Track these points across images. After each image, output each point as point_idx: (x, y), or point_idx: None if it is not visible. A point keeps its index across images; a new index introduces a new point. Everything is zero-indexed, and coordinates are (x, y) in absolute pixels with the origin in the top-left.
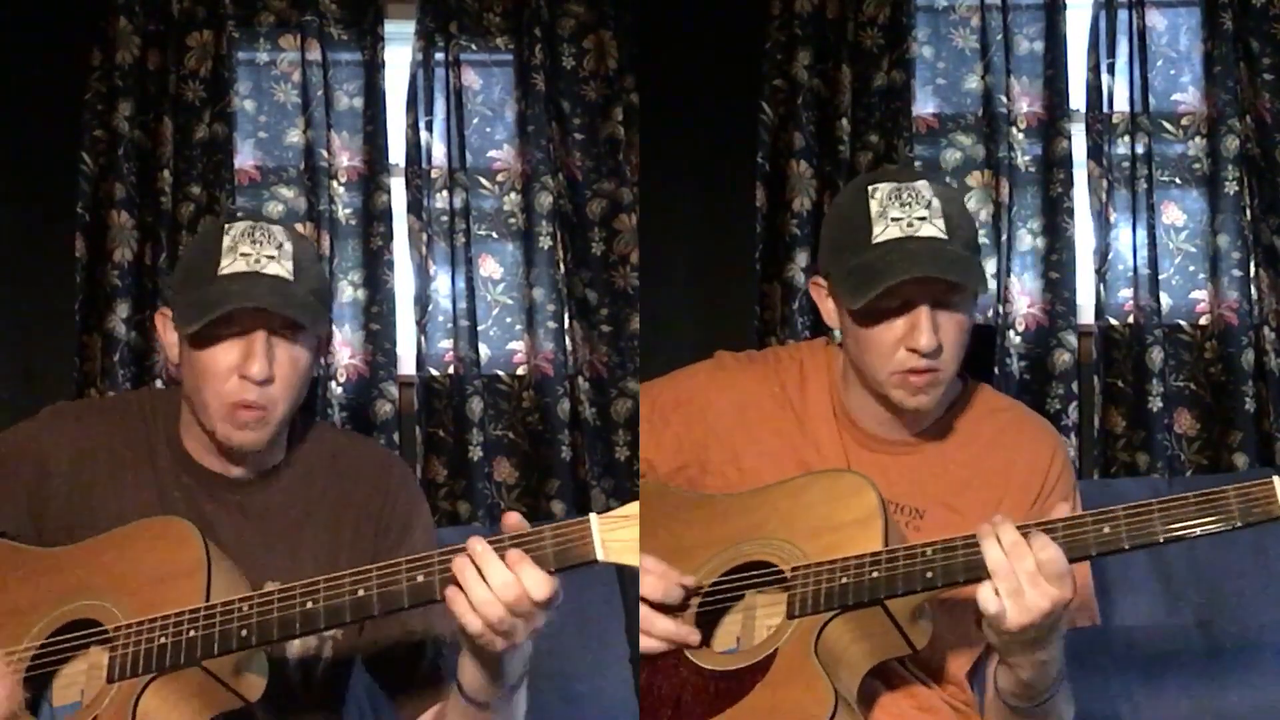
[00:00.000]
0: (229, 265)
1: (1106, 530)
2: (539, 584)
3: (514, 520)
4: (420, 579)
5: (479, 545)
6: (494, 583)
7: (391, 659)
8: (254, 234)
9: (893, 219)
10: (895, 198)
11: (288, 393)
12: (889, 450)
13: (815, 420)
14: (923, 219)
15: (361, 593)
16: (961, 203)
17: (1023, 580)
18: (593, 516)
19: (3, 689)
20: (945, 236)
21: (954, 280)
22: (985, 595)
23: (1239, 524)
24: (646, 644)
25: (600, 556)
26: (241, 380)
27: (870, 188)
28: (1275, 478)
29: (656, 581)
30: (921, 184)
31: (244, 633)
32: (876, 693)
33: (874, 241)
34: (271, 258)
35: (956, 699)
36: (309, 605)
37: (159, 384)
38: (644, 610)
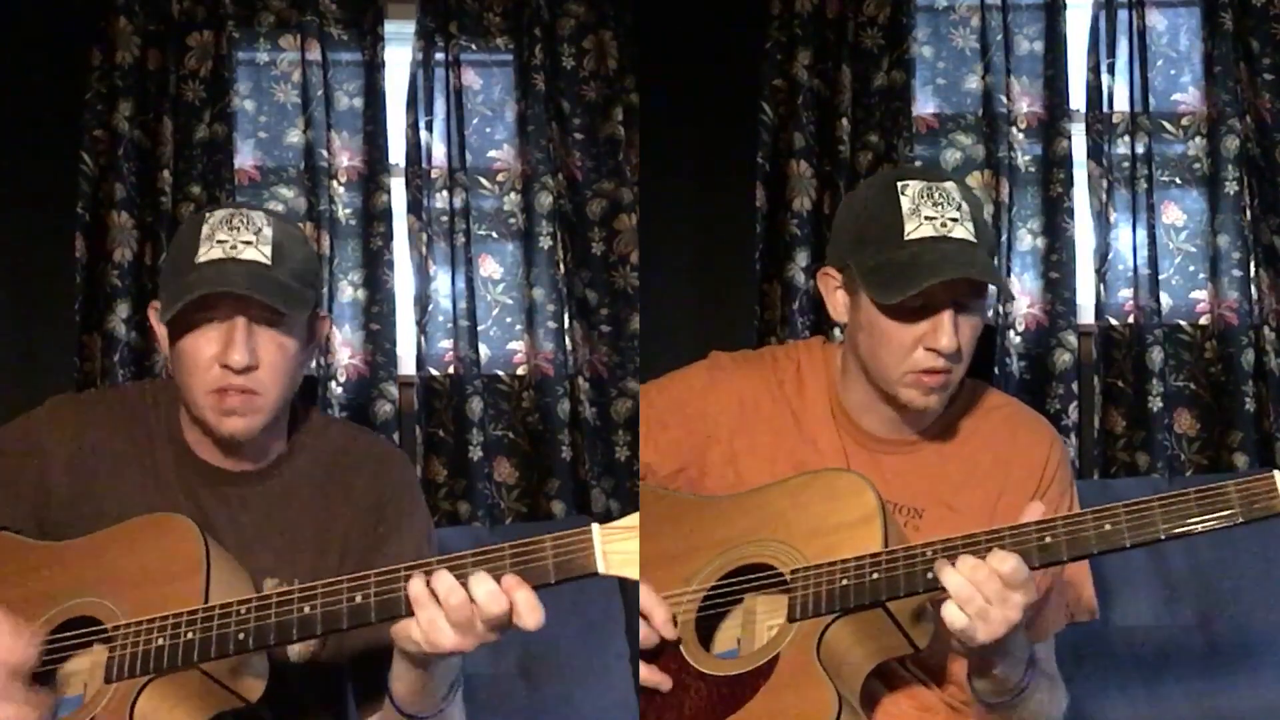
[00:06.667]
0: (206, 253)
1: (1107, 528)
2: (532, 608)
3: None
4: None
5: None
6: (478, 591)
7: (362, 667)
8: (232, 221)
9: (926, 217)
10: (927, 196)
11: (276, 379)
12: (887, 450)
13: (813, 419)
14: (955, 220)
15: (359, 599)
16: (982, 207)
17: (991, 599)
18: (595, 527)
19: (18, 649)
20: (975, 240)
21: (992, 283)
22: (951, 613)
23: (1241, 519)
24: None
25: (601, 569)
26: (223, 370)
27: (900, 184)
28: (1276, 472)
29: (642, 624)
30: (950, 185)
31: (241, 636)
32: (877, 693)
33: (906, 238)
34: (248, 243)
35: (956, 699)
36: (306, 610)
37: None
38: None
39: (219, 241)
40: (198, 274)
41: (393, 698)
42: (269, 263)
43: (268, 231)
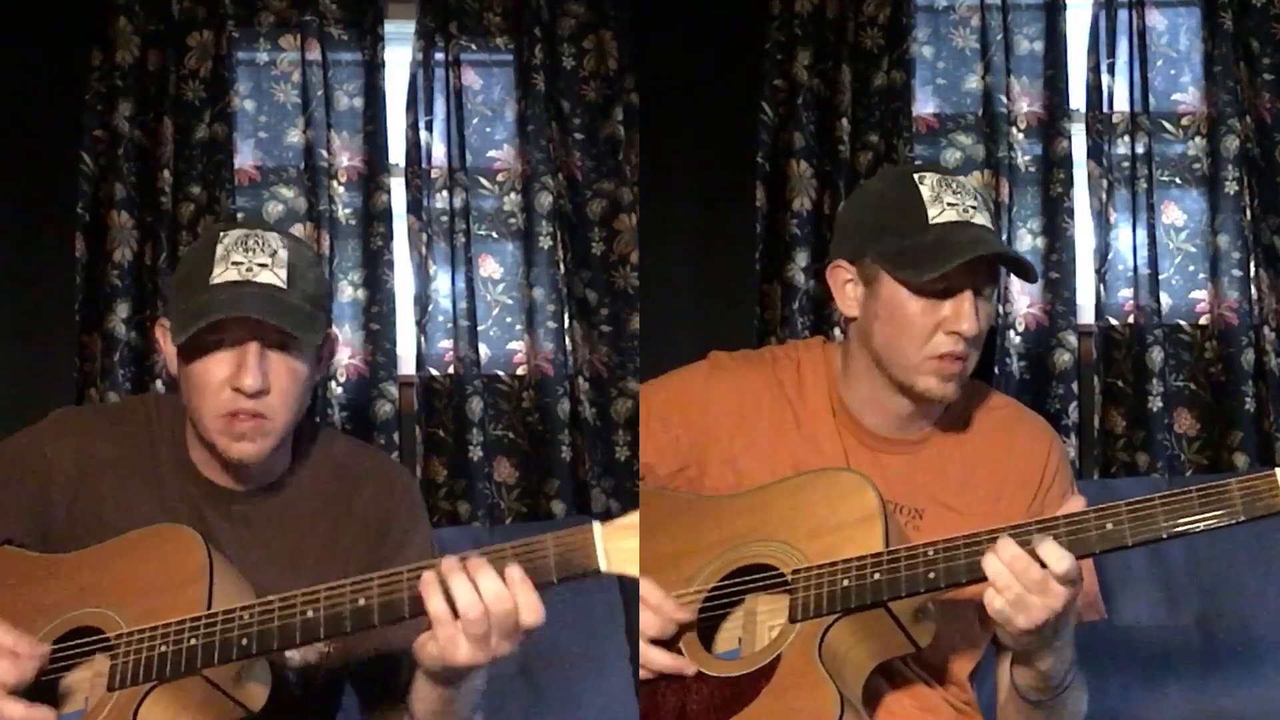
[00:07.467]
0: (220, 275)
1: (1109, 527)
2: (531, 608)
3: None
4: None
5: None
6: (485, 591)
7: (370, 673)
8: (247, 242)
9: (948, 204)
10: (945, 185)
11: (286, 404)
12: (888, 449)
13: (814, 419)
14: (974, 208)
15: (363, 601)
16: (991, 204)
17: (1029, 588)
18: (595, 525)
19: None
20: (992, 229)
21: (1018, 264)
22: (991, 600)
23: (1242, 517)
24: (643, 674)
25: (603, 567)
26: (235, 393)
27: (916, 175)
28: (1278, 470)
29: (651, 617)
30: (963, 178)
31: (244, 641)
32: (879, 690)
33: (932, 221)
34: (264, 265)
35: (958, 699)
36: (309, 614)
37: (159, 385)
38: (641, 642)
39: (234, 263)
40: (212, 296)
41: (414, 715)
42: (284, 286)
43: (283, 254)
